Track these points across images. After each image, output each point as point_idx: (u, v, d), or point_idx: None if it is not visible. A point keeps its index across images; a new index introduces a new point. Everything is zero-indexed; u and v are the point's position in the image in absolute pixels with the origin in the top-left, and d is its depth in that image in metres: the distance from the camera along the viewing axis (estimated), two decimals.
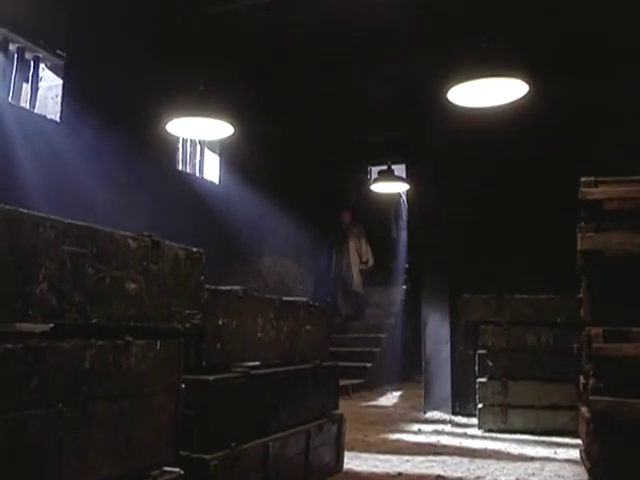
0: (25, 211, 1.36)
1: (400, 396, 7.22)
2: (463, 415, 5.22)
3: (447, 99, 3.81)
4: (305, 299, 2.96)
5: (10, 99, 4.55)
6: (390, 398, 7.04)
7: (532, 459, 3.51)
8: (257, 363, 2.47)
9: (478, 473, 3.13)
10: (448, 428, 4.74)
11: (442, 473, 3.12)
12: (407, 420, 5.15)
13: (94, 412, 1.53)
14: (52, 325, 1.42)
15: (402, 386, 7.97)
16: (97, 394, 1.54)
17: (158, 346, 1.77)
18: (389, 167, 8.30)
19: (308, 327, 2.95)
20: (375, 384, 7.80)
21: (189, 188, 6.55)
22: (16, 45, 4.60)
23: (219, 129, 4.44)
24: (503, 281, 4.90)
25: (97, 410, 1.54)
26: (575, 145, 4.69)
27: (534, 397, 4.49)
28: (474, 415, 5.19)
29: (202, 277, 1.97)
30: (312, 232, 8.51)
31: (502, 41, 3.71)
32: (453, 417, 5.19)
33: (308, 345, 2.95)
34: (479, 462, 3.39)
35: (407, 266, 10.18)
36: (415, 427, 4.77)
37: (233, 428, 2.17)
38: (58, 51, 4.79)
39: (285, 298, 2.76)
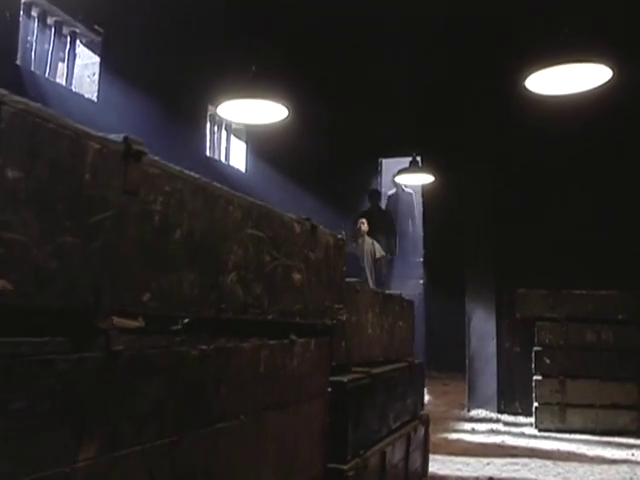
0: (218, 185, 1.14)
1: (427, 393, 7.05)
2: (509, 414, 5.06)
3: (525, 87, 3.61)
4: (399, 292, 2.76)
5: (47, 75, 4.27)
6: None
7: (614, 462, 3.35)
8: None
9: (571, 477, 2.96)
10: (502, 427, 4.57)
11: (534, 477, 2.95)
12: (453, 419, 4.98)
13: (267, 423, 1.33)
14: (239, 321, 1.21)
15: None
16: (269, 402, 1.33)
17: (312, 345, 1.56)
18: (414, 158, 8.11)
19: (401, 323, 2.75)
20: None
21: (217, 175, 6.30)
22: (54, 19, 4.32)
23: (272, 112, 4.20)
24: (556, 277, 4.74)
25: (269, 420, 1.33)
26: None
27: (594, 396, 4.34)
28: (521, 413, 5.05)
29: (345, 268, 1.77)
30: (338, 223, 8.30)
31: (584, 25, 3.51)
32: (499, 415, 5.03)
33: (401, 342, 2.75)
34: (563, 465, 3.22)
35: (422, 260, 10.04)
36: (466, 426, 4.60)
37: (360, 434, 1.97)
38: (96, 26, 4.52)
39: (386, 292, 2.56)
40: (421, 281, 9.74)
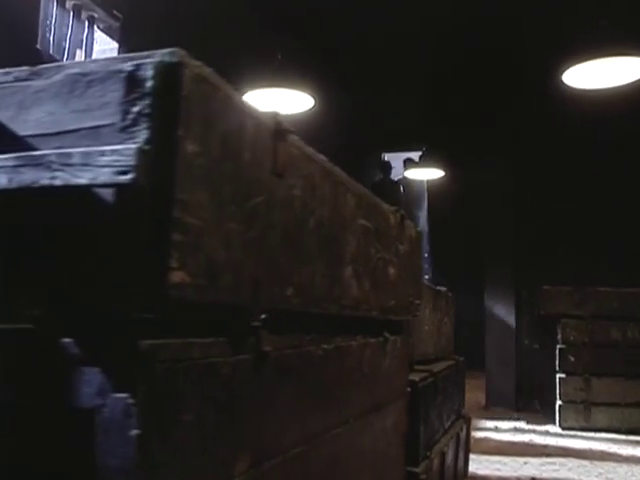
0: (339, 170, 1.05)
1: None
2: (528, 411, 5.00)
3: (562, 81, 3.52)
4: (444, 288, 2.68)
5: (65, 60, 4.14)
6: None
7: None
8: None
9: (614, 477, 2.91)
10: (524, 425, 4.51)
11: (576, 477, 2.89)
12: (472, 416, 4.91)
13: (368, 425, 1.24)
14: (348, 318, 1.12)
15: None
16: (371, 403, 1.25)
17: (399, 343, 1.47)
18: (424, 153, 8.02)
19: (446, 319, 2.67)
20: None
21: None
22: (72, 2, 4.18)
23: (298, 101, 4.10)
24: (575, 274, 4.68)
25: (369, 423, 1.25)
26: None
27: (619, 394, 4.29)
28: (539, 411, 5.01)
29: (421, 262, 1.68)
30: None
31: (622, 16, 3.44)
32: (518, 413, 4.98)
33: (446, 338, 2.67)
34: (601, 465, 3.17)
35: (427, 256, 10.00)
36: (489, 424, 4.54)
37: (427, 435, 1.89)
38: (115, 11, 4.38)
39: (437, 287, 2.48)
40: (426, 277, 9.69)
